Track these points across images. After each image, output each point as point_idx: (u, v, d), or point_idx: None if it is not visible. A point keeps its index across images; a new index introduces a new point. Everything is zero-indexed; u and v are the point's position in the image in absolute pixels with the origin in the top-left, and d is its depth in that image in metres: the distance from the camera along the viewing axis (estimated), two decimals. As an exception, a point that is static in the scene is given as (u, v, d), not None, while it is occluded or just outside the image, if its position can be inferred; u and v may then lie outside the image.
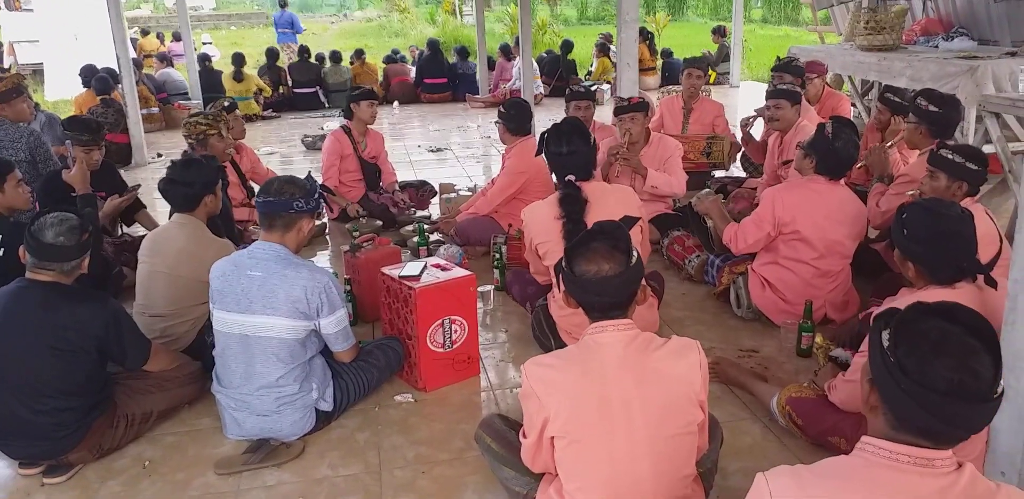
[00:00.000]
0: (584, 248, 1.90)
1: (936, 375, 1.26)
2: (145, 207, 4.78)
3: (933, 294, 2.31)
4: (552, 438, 1.89)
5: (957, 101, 3.76)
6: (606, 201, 3.03)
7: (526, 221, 3.22)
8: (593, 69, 11.69)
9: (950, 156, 3.06)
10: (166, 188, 3.21)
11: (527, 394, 1.90)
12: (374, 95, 5.45)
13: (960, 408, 1.27)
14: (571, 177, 3.06)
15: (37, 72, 12.48)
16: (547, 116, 9.37)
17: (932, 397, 1.26)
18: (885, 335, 1.34)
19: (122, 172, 4.40)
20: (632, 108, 4.30)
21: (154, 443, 2.80)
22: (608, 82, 10.94)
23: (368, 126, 5.44)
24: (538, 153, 3.25)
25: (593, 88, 5.88)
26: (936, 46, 6.25)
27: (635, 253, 1.92)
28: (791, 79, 5.17)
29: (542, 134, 3.22)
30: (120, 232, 4.67)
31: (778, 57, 5.80)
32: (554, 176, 3.18)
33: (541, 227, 3.09)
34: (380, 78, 11.63)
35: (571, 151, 3.08)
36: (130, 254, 4.13)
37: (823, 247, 3.36)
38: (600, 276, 1.85)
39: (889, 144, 4.10)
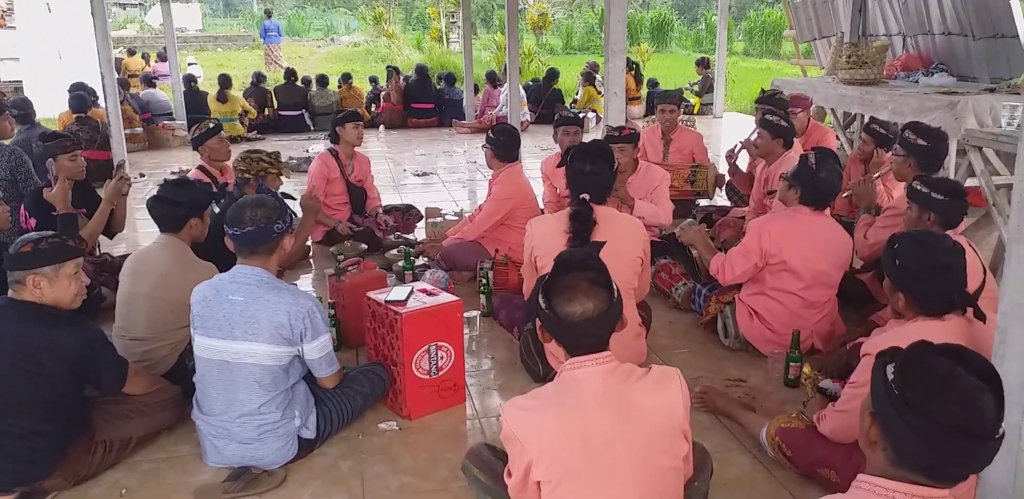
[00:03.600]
0: (562, 285, 1.79)
1: (941, 409, 1.26)
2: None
3: (922, 326, 2.32)
4: (538, 482, 1.83)
5: (945, 135, 3.82)
6: (615, 227, 3.03)
7: (530, 232, 3.21)
8: (579, 97, 11.80)
9: (919, 187, 3.12)
10: (154, 205, 3.17)
11: (508, 438, 1.84)
12: (358, 117, 5.45)
13: (962, 445, 1.26)
14: (586, 196, 3.05)
15: (18, 90, 12.39)
16: (533, 143, 9.43)
17: (935, 431, 1.25)
18: (890, 368, 1.33)
19: (101, 191, 4.32)
20: (623, 139, 4.32)
21: (131, 470, 2.72)
22: (594, 110, 11.04)
23: (355, 149, 5.44)
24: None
25: (580, 116, 5.94)
26: (916, 81, 6.38)
27: (615, 285, 1.83)
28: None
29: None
30: (99, 252, 4.59)
31: (762, 89, 5.88)
32: (569, 192, 3.17)
33: (545, 239, 3.10)
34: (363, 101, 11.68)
35: (593, 171, 3.06)
36: (109, 274, 4.07)
37: (810, 277, 3.37)
38: (586, 317, 1.75)
39: (876, 175, 4.15)
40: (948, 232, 2.98)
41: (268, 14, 21.69)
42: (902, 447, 1.30)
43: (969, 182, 4.54)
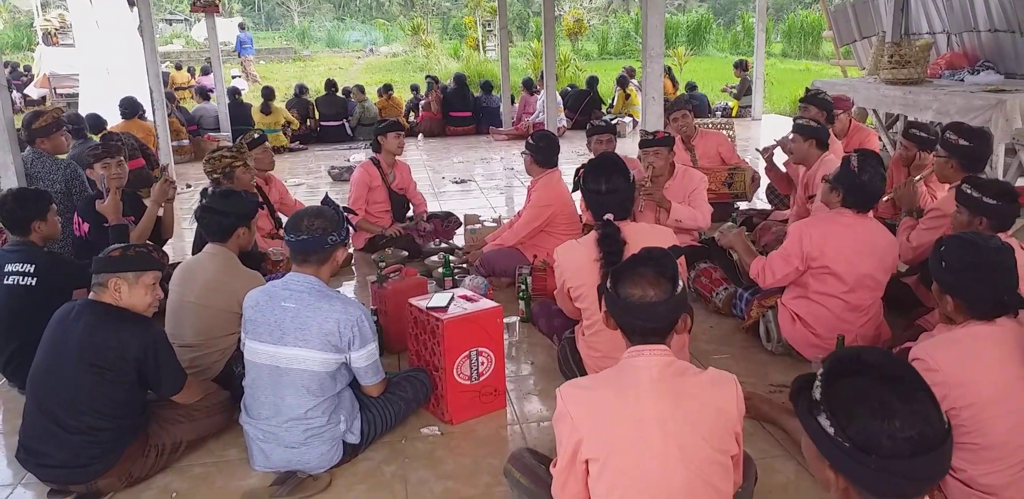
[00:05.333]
0: (631, 272, 1.93)
1: (898, 440, 1.23)
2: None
3: (973, 331, 2.28)
4: (586, 463, 1.87)
5: (988, 135, 3.74)
6: (645, 242, 2.81)
7: (559, 262, 3.07)
8: (614, 102, 11.79)
9: (969, 191, 3.05)
10: (202, 215, 3.26)
11: (561, 416, 1.89)
12: (400, 126, 5.53)
13: (932, 459, 1.24)
14: (610, 216, 2.92)
15: (71, 104, 12.78)
16: (570, 149, 9.43)
17: (903, 463, 1.23)
18: (824, 421, 1.28)
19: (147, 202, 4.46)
20: (657, 142, 4.30)
21: (182, 474, 2.79)
22: (630, 115, 11.01)
23: (396, 158, 5.51)
24: (574, 190, 3.14)
25: (614, 121, 5.93)
26: (962, 80, 6.25)
27: (680, 282, 1.93)
28: (816, 111, 5.17)
29: (578, 169, 3.16)
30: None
31: (807, 89, 5.81)
32: (591, 214, 3.03)
33: (575, 269, 2.96)
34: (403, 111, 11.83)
35: (611, 189, 2.93)
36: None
37: (853, 281, 3.32)
38: (644, 301, 1.88)
39: (918, 178, 4.08)
40: (1000, 235, 2.91)
41: (242, 27, 22.29)
42: (878, 488, 1.27)
43: (1019, 182, 4.43)
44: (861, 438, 1.24)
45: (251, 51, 20.89)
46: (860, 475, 1.26)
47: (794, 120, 4.70)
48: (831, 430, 1.27)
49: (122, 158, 4.34)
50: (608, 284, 1.95)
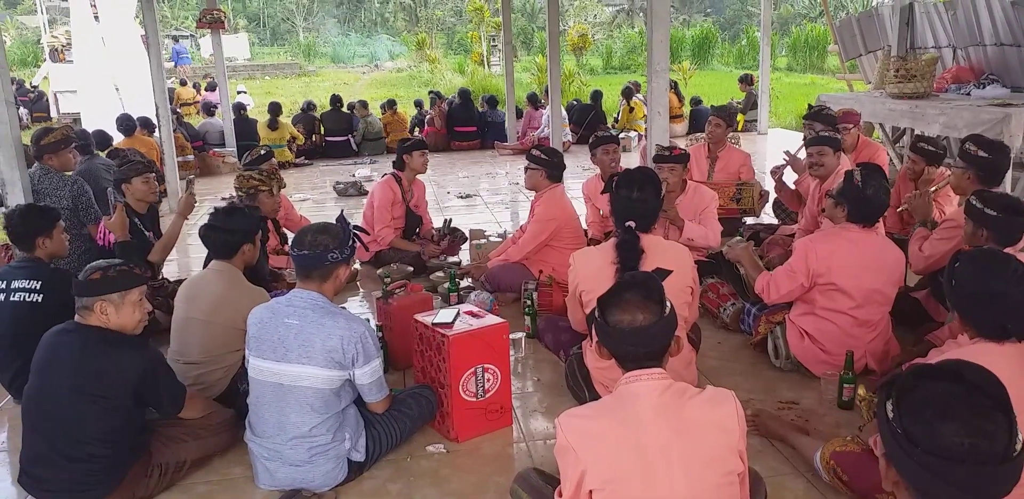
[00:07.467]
0: (617, 298, 1.90)
1: (946, 442, 1.22)
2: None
3: (982, 349, 2.25)
4: (591, 492, 1.83)
5: (1006, 148, 3.72)
6: (662, 256, 2.91)
7: (575, 266, 3.13)
8: (619, 117, 11.81)
9: (974, 202, 3.05)
10: (206, 234, 3.25)
11: (563, 448, 1.85)
12: (425, 145, 5.56)
13: (979, 474, 1.21)
14: (631, 224, 2.98)
15: (76, 121, 12.85)
16: (575, 163, 9.41)
17: (946, 466, 1.21)
18: (889, 405, 1.29)
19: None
20: (673, 159, 4.28)
21: (186, 492, 2.77)
22: (634, 129, 11.03)
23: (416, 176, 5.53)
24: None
25: (620, 136, 5.92)
26: (968, 93, 6.25)
27: (668, 303, 1.91)
28: (822, 127, 5.16)
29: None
30: (160, 276, 4.71)
31: (809, 105, 5.80)
32: (613, 220, 3.11)
33: (590, 273, 3.01)
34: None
35: (640, 198, 3.03)
36: (163, 298, 4.17)
37: (861, 296, 3.29)
38: (634, 326, 1.85)
39: (932, 189, 4.05)
40: (1009, 249, 2.89)
41: (176, 40, 24.99)
42: (922, 486, 1.26)
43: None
44: (913, 428, 1.25)
45: (187, 61, 22.58)
46: (906, 467, 1.26)
47: (816, 134, 4.68)
48: (891, 414, 1.29)
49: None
50: (596, 312, 1.93)
